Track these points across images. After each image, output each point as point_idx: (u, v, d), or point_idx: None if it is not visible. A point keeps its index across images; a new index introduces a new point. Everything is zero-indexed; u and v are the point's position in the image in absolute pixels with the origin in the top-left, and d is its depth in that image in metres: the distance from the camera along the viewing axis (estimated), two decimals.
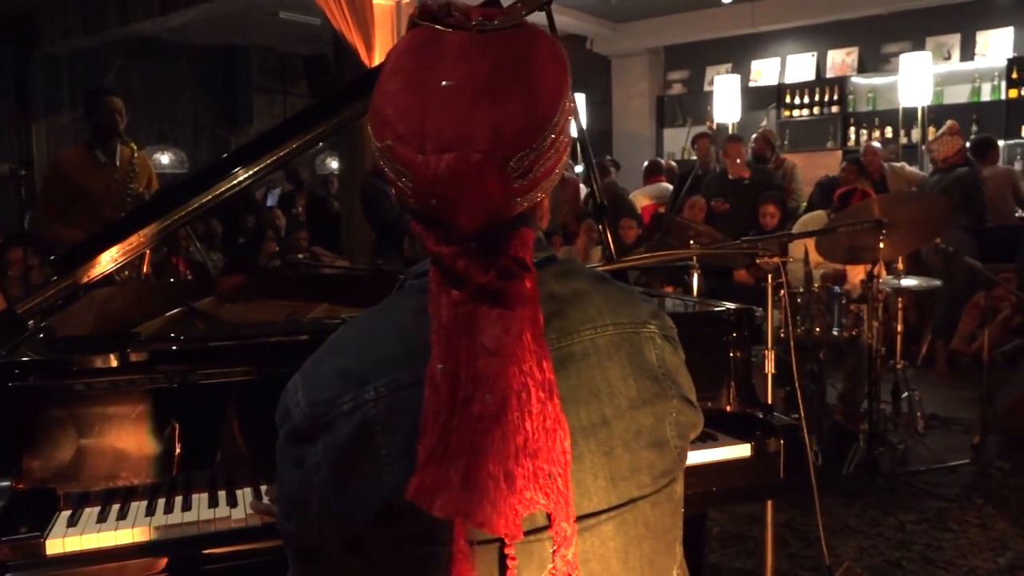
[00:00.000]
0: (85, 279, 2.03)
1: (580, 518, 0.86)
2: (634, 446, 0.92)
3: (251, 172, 2.22)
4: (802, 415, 1.89)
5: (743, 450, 1.81)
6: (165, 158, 9.85)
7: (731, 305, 2.02)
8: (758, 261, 2.01)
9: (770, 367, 2.00)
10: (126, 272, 3.59)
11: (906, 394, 4.30)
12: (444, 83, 0.81)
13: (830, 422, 4.23)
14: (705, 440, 1.82)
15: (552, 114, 0.83)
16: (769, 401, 1.97)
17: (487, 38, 0.83)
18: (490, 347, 0.81)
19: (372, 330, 0.92)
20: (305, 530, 0.90)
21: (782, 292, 3.83)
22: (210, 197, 2.19)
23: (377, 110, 0.85)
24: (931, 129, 7.20)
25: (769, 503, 2.12)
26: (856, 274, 4.37)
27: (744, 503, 3.07)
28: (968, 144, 6.72)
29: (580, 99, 9.07)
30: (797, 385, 2.07)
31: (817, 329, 3.91)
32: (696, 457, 1.78)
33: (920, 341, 6.14)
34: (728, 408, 1.93)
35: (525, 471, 0.81)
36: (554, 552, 0.85)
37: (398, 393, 0.84)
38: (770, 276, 2.04)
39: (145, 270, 3.85)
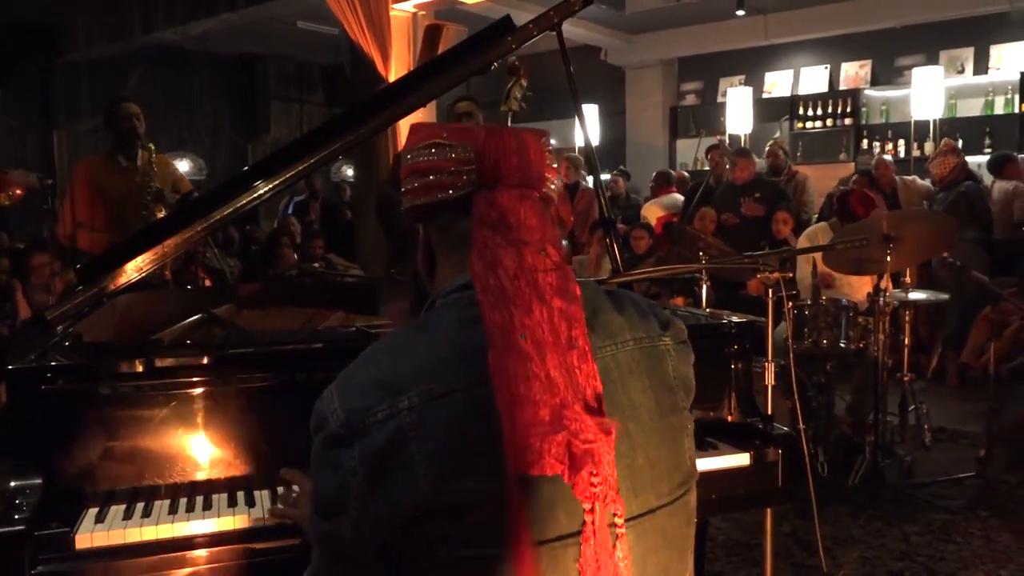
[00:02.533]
0: (111, 287, 2.12)
1: None
2: (654, 457, 0.99)
3: (272, 185, 2.30)
4: (801, 426, 1.95)
5: (742, 459, 1.86)
6: (184, 165, 9.98)
7: (734, 317, 2.08)
8: (759, 277, 2.07)
9: (770, 379, 2.05)
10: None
11: (913, 407, 4.34)
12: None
13: (837, 433, 4.26)
14: (706, 449, 1.88)
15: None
16: (770, 411, 2.02)
17: None
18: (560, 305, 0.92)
19: (405, 344, 0.99)
20: (341, 529, 0.96)
21: (789, 304, 3.89)
22: (232, 209, 2.27)
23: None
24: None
25: (768, 511, 2.17)
26: (863, 287, 4.41)
27: (743, 510, 3.12)
28: (987, 161, 6.80)
29: (593, 110, 9.14)
30: (796, 396, 2.12)
31: (824, 341, 3.95)
32: (697, 465, 1.84)
33: (931, 354, 6.16)
34: (729, 418, 1.99)
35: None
36: (614, 540, 0.91)
37: (430, 403, 0.91)
38: (771, 291, 2.10)
39: (166, 276, 3.96)
